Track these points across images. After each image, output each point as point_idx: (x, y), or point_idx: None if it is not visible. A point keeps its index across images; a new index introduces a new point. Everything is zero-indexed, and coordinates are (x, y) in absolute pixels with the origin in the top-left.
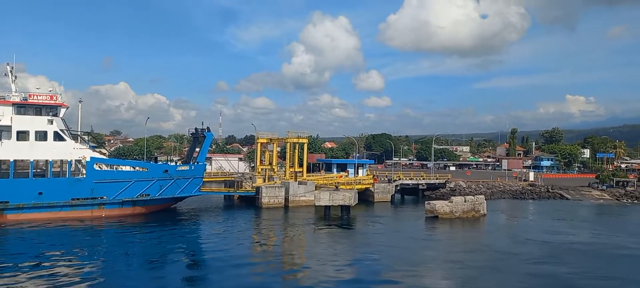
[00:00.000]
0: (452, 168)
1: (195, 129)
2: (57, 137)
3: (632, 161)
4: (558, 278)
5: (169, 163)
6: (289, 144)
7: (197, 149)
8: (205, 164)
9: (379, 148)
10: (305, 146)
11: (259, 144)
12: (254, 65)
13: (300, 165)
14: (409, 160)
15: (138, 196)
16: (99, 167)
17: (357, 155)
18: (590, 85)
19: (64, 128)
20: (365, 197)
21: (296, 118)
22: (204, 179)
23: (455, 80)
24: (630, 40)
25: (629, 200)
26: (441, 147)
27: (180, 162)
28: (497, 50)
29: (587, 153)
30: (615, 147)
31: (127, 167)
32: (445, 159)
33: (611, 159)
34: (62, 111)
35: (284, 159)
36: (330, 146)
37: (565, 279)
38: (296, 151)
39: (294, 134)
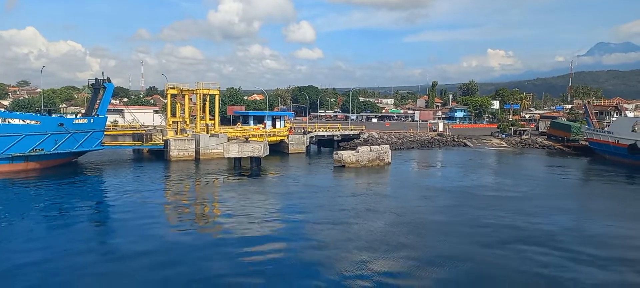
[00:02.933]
0: (374, 120)
1: (95, 79)
2: None
3: (536, 112)
4: (414, 214)
5: (64, 115)
6: (199, 95)
7: (98, 101)
8: (106, 117)
9: (305, 101)
10: (217, 98)
11: (168, 95)
12: (178, 12)
13: (214, 117)
14: (335, 112)
15: (30, 151)
16: None
17: (283, 107)
18: (510, 40)
19: None
20: (280, 148)
21: (226, 69)
22: (111, 133)
23: (385, 34)
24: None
25: (519, 148)
26: (366, 99)
27: (80, 114)
28: (423, 4)
29: (496, 104)
30: (521, 98)
31: (16, 120)
32: (368, 111)
33: (517, 110)
34: None
35: (204, 112)
36: (259, 98)
37: (421, 214)
38: (207, 103)
39: (204, 85)
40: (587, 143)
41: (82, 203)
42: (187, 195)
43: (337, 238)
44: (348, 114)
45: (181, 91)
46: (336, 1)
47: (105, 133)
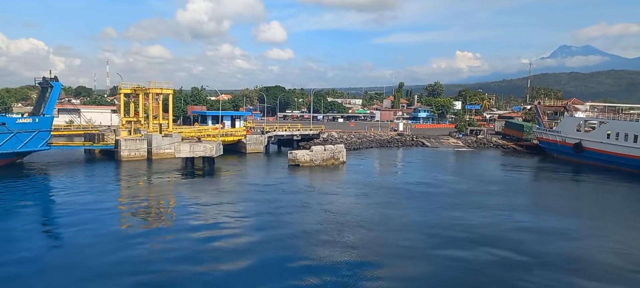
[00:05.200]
0: (341, 120)
1: (43, 78)
2: None
3: (497, 112)
4: (343, 210)
5: (8, 115)
6: (151, 94)
7: (46, 100)
8: (53, 116)
9: (273, 101)
10: (171, 97)
11: (122, 95)
12: (146, 10)
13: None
14: (301, 112)
15: None
16: None
17: (251, 107)
18: (478, 42)
19: None
20: (238, 148)
21: (196, 69)
22: (64, 133)
23: (356, 35)
24: (510, 2)
25: (475, 147)
26: (333, 99)
27: (26, 114)
28: (392, 6)
29: (458, 105)
30: (482, 99)
31: None
32: (335, 111)
33: (478, 110)
34: None
35: (166, 111)
36: (227, 98)
37: (349, 210)
38: (160, 102)
39: (157, 84)
40: (538, 142)
41: (14, 205)
42: (120, 195)
43: (259, 233)
44: (315, 114)
45: (135, 90)
46: (306, 2)
47: (56, 133)
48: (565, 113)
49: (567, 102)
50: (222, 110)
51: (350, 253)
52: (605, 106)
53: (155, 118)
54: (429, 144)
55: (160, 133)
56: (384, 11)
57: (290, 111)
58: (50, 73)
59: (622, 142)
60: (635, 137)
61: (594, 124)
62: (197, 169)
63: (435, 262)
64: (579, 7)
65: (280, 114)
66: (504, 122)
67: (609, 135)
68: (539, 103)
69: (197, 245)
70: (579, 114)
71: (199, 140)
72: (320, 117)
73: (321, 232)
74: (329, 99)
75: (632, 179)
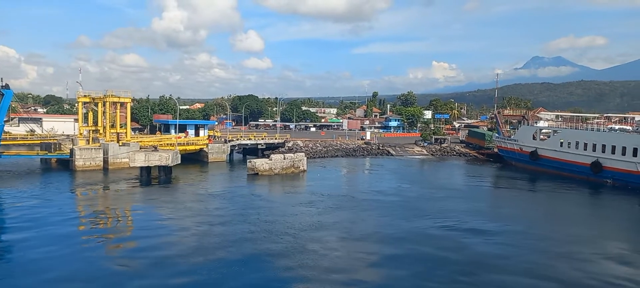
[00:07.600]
0: (313, 129)
1: None
2: None
3: (467, 121)
4: (279, 218)
5: None
6: (108, 103)
7: None
8: (2, 124)
9: (245, 110)
10: (128, 106)
11: (80, 103)
12: (121, 19)
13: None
14: (274, 121)
15: None
16: None
17: (223, 116)
18: (453, 53)
19: None
20: (200, 157)
21: (172, 78)
22: (17, 142)
23: (335, 45)
24: (483, 14)
25: (438, 155)
26: (306, 108)
27: None
28: (367, 17)
29: (428, 114)
30: (452, 108)
31: None
32: (308, 120)
33: (448, 119)
34: None
35: (133, 120)
36: (200, 106)
37: (287, 221)
38: (117, 111)
39: (114, 93)
40: (498, 150)
41: None
42: (62, 207)
43: (181, 240)
44: (287, 123)
45: (93, 99)
46: (282, 11)
47: (11, 142)
48: (524, 122)
49: (526, 111)
50: (191, 119)
51: (270, 262)
52: (571, 116)
53: (113, 127)
54: (394, 153)
55: (118, 142)
56: (359, 22)
57: (262, 120)
58: (2, 81)
59: (573, 150)
60: (585, 145)
61: (549, 132)
62: (153, 179)
63: (361, 270)
64: (548, 19)
65: (253, 123)
66: (468, 131)
67: (561, 143)
68: (499, 112)
69: (117, 257)
70: (541, 123)
71: (155, 149)
72: (292, 126)
73: (247, 240)
74: (303, 108)
75: (581, 185)
